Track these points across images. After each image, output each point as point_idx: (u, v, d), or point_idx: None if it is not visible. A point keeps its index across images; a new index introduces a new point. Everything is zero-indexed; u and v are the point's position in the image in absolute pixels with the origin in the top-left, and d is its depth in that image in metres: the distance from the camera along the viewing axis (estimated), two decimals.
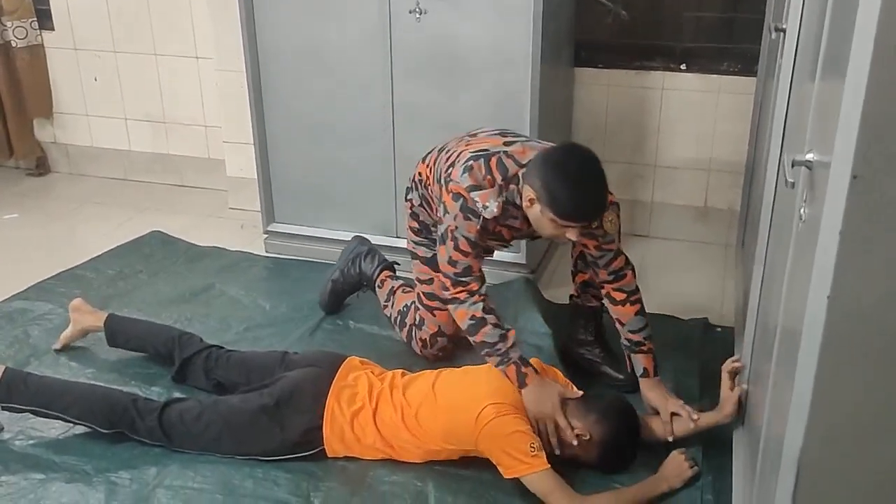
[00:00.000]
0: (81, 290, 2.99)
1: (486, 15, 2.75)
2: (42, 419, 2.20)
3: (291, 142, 3.16)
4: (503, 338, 2.10)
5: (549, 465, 1.94)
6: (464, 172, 2.08)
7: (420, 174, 2.40)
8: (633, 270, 2.27)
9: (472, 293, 2.13)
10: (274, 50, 3.03)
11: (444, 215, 2.15)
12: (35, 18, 3.98)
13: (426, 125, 2.92)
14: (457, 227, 2.12)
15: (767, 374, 1.53)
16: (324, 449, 2.12)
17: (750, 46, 3.05)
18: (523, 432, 1.97)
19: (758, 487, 1.54)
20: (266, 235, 3.34)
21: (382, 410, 2.11)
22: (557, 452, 2.04)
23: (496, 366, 2.10)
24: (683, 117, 3.30)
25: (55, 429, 2.23)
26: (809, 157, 1.18)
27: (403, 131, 2.99)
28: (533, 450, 1.94)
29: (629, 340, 2.25)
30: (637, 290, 2.27)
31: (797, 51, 1.68)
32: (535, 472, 1.93)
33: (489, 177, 2.07)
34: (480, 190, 2.07)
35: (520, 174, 2.06)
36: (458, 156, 2.17)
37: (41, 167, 4.27)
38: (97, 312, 2.61)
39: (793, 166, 1.23)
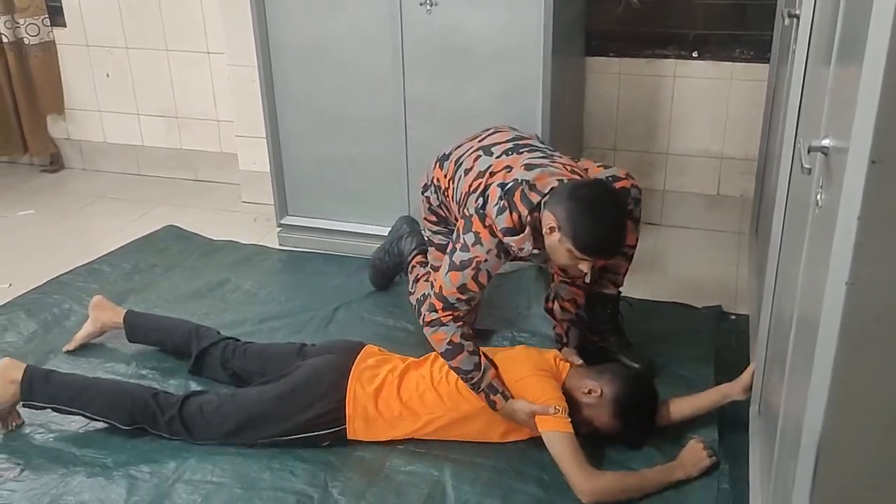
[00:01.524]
0: (98, 285, 3.02)
1: (497, 5, 2.75)
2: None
3: (303, 135, 3.16)
4: (477, 367, 2.11)
5: (572, 432, 2.00)
6: (498, 214, 2.08)
7: (437, 180, 2.40)
8: None
9: (456, 319, 2.14)
10: (285, 44, 3.04)
11: (473, 245, 2.12)
12: (47, 15, 3.99)
13: (438, 117, 2.93)
14: (486, 261, 2.12)
15: (783, 363, 1.53)
16: (345, 428, 2.14)
17: (762, 33, 3.04)
18: (554, 396, 2.06)
19: (775, 476, 1.54)
20: (279, 228, 3.35)
21: (408, 380, 2.18)
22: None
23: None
24: (696, 105, 3.29)
25: (75, 422, 2.24)
26: (825, 142, 1.17)
27: (415, 123, 2.99)
28: (558, 410, 2.02)
29: (577, 316, 2.44)
30: None
31: (811, 36, 1.67)
32: (556, 430, 1.99)
33: (516, 214, 2.07)
34: (515, 235, 2.08)
35: (542, 202, 2.07)
36: (482, 187, 2.16)
37: (55, 163, 4.30)
38: (116, 309, 2.63)
39: (808, 152, 1.23)
